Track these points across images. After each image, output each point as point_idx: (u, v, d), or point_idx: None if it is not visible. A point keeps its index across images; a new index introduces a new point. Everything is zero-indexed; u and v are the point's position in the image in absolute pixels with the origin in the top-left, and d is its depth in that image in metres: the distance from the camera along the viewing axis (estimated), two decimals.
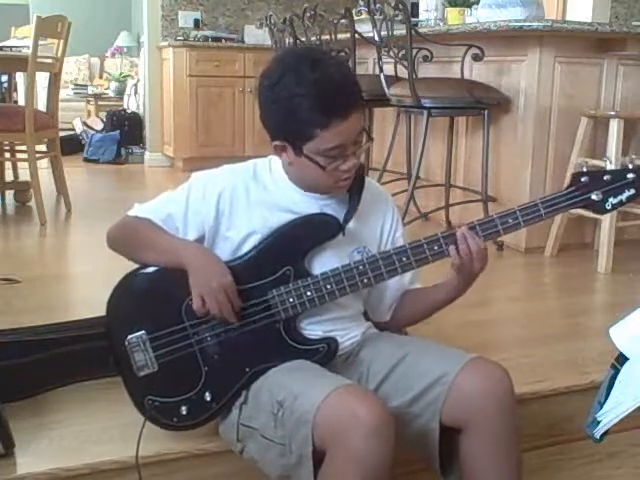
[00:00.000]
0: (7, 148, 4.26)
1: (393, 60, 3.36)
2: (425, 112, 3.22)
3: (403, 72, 3.29)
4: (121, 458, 1.49)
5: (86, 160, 6.25)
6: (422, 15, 4.46)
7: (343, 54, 3.57)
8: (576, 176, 1.39)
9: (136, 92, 7.02)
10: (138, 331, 1.46)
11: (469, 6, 4.01)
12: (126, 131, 6.41)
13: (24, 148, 3.78)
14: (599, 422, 1.05)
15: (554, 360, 2.04)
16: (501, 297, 2.76)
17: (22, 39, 5.56)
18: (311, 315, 1.46)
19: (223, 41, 5.80)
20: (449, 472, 1.41)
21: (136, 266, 1.50)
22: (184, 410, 1.45)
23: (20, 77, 6.24)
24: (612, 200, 1.37)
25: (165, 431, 1.50)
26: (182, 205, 1.47)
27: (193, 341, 1.44)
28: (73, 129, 6.87)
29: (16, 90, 6.54)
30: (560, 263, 3.13)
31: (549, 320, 2.47)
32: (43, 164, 4.38)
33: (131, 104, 7.11)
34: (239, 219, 1.46)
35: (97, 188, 5.26)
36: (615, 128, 2.89)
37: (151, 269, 1.48)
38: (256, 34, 5.77)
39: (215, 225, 1.46)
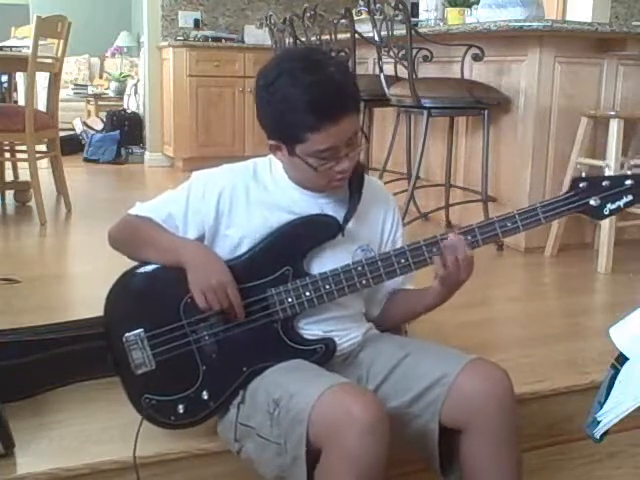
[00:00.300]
0: (7, 148, 4.26)
1: (393, 60, 3.36)
2: (425, 112, 3.22)
3: (403, 72, 3.29)
4: (121, 458, 1.49)
5: (86, 160, 6.25)
6: (422, 15, 4.46)
7: (343, 54, 3.57)
8: (575, 181, 1.40)
9: (136, 92, 7.02)
10: (136, 329, 1.46)
11: (469, 6, 4.01)
12: (126, 131, 6.41)
13: (24, 148, 3.78)
14: (599, 422, 1.05)
15: (554, 360, 2.04)
16: (501, 297, 2.76)
17: (22, 39, 5.56)
18: (310, 315, 1.46)
19: (223, 41, 5.80)
20: (449, 472, 1.41)
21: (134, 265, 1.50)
22: (181, 408, 1.45)
23: (20, 77, 6.24)
24: (610, 206, 1.38)
25: (164, 431, 1.50)
26: (182, 204, 1.47)
27: (191, 339, 1.44)
28: (73, 129, 6.87)
29: (16, 90, 6.54)
30: (560, 263, 3.13)
31: (549, 320, 2.47)
32: (43, 164, 4.38)
33: (131, 104, 7.11)
34: (239, 218, 1.46)
35: (97, 188, 5.26)
36: (615, 128, 2.89)
37: (149, 267, 1.48)
38: (256, 34, 5.77)
39: (215, 224, 1.46)
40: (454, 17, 4.03)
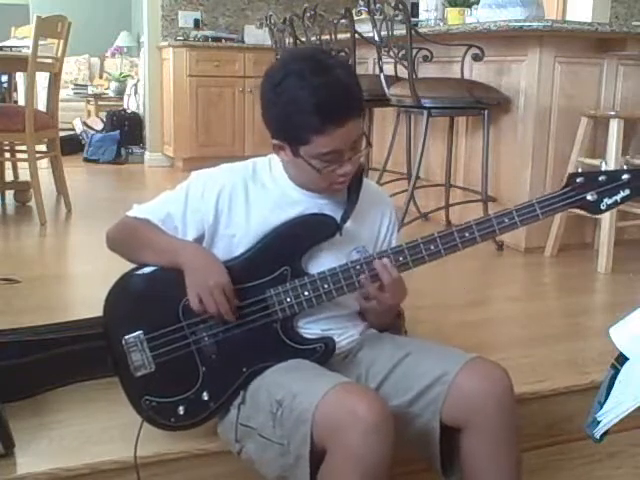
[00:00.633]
0: (7, 148, 4.26)
1: (393, 60, 3.36)
2: (425, 112, 3.22)
3: (403, 72, 3.29)
4: (121, 458, 1.49)
5: (86, 160, 6.25)
6: (422, 15, 4.46)
7: (343, 54, 3.57)
8: (572, 177, 1.39)
9: (136, 92, 7.02)
10: (135, 331, 1.46)
11: (469, 6, 4.01)
12: (126, 131, 6.41)
13: (24, 148, 3.78)
14: (599, 422, 1.05)
15: (554, 360, 2.04)
16: (501, 297, 2.76)
17: (22, 39, 5.56)
18: (308, 314, 1.46)
19: (223, 41, 5.80)
20: (450, 471, 1.41)
21: (133, 266, 1.50)
22: (181, 410, 1.45)
23: (20, 77, 6.24)
24: (607, 201, 1.37)
25: (164, 431, 1.50)
26: (181, 204, 1.47)
27: (190, 341, 1.44)
28: (73, 129, 6.87)
29: (16, 90, 6.54)
30: (560, 263, 3.13)
31: (549, 320, 2.47)
32: (43, 164, 4.38)
33: (131, 104, 7.11)
34: (238, 217, 1.46)
35: (97, 188, 5.25)
36: (615, 128, 2.89)
37: (148, 269, 1.48)
38: (256, 34, 5.77)
39: (214, 224, 1.46)
40: (454, 17, 4.03)
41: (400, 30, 3.17)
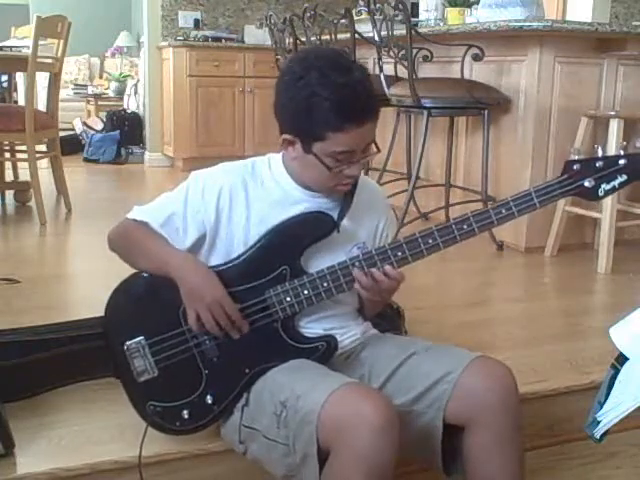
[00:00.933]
0: (7, 148, 4.26)
1: (393, 60, 3.36)
2: (425, 112, 3.22)
3: (403, 72, 3.29)
4: (121, 458, 1.49)
5: (86, 160, 6.25)
6: (422, 15, 4.46)
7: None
8: (569, 164, 1.37)
9: (136, 92, 7.02)
10: (137, 337, 1.45)
11: (469, 6, 4.01)
12: (126, 131, 6.41)
13: (24, 148, 3.78)
14: (599, 422, 1.05)
15: (554, 360, 2.04)
16: (501, 297, 2.76)
17: (22, 39, 5.56)
18: (310, 314, 1.46)
19: (223, 41, 5.80)
20: (452, 470, 1.41)
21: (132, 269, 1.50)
22: (186, 414, 1.45)
23: (20, 77, 6.24)
24: (605, 186, 1.36)
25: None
26: (181, 205, 1.46)
27: (192, 344, 1.44)
28: (73, 129, 6.87)
29: (16, 90, 6.54)
30: (560, 263, 3.13)
31: (549, 320, 2.47)
32: (43, 164, 4.38)
33: (131, 104, 7.11)
34: (238, 217, 1.45)
35: (97, 188, 5.25)
36: (615, 128, 2.89)
37: (147, 274, 1.47)
38: (256, 34, 5.77)
39: (216, 224, 1.45)
40: (454, 17, 4.03)
41: (400, 30, 3.17)
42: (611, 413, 1.04)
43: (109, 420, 1.63)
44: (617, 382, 1.06)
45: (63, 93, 5.98)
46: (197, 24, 5.95)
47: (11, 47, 4.49)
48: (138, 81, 7.00)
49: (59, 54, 3.96)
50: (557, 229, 3.14)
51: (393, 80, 3.53)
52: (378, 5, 3.23)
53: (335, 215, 1.44)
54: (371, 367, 1.46)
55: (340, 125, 1.32)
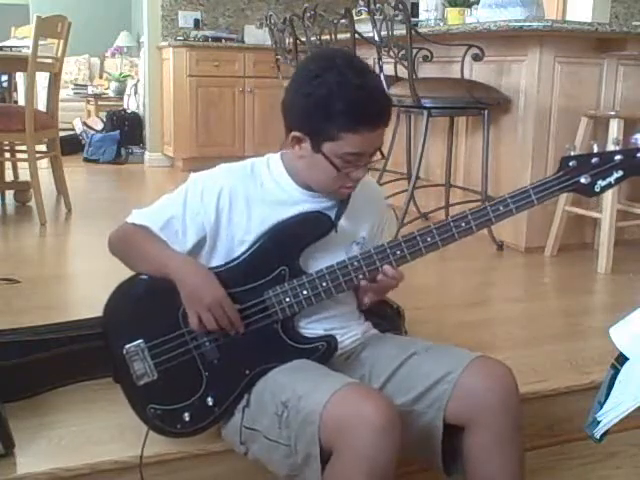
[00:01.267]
0: (7, 148, 4.26)
1: (393, 60, 3.36)
2: (425, 112, 3.22)
3: (403, 72, 3.29)
4: (121, 458, 1.49)
5: (86, 160, 6.25)
6: (422, 15, 4.46)
7: None
8: (565, 160, 1.38)
9: (136, 92, 7.02)
10: (136, 340, 1.45)
11: (469, 6, 4.01)
12: (126, 131, 6.41)
13: (24, 148, 3.78)
14: (599, 422, 1.05)
15: (554, 360, 2.04)
16: (501, 297, 2.76)
17: (22, 39, 5.56)
18: (310, 314, 1.46)
19: (223, 41, 5.80)
20: (453, 470, 1.41)
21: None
22: (187, 416, 1.44)
23: (20, 77, 6.24)
24: (601, 182, 1.36)
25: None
26: (180, 208, 1.45)
27: (192, 347, 1.43)
28: (73, 129, 6.87)
29: (16, 90, 6.54)
30: (560, 263, 3.13)
31: (549, 320, 2.47)
32: (43, 164, 4.38)
33: (131, 104, 7.11)
34: (238, 217, 1.45)
35: (97, 188, 5.25)
36: (615, 128, 2.89)
37: (146, 276, 1.47)
38: (256, 34, 5.77)
39: (216, 225, 1.45)
40: (454, 17, 4.03)
41: (400, 30, 3.17)
42: (611, 413, 1.04)
43: (109, 420, 1.63)
44: (617, 382, 1.06)
45: (63, 93, 5.98)
46: (197, 24, 5.95)
47: (11, 47, 4.50)
48: (138, 81, 7.00)
49: (59, 54, 3.96)
50: (557, 229, 3.14)
51: (393, 80, 3.53)
52: (378, 5, 3.23)
53: (332, 215, 1.44)
54: (371, 367, 1.46)
55: (354, 127, 1.32)
